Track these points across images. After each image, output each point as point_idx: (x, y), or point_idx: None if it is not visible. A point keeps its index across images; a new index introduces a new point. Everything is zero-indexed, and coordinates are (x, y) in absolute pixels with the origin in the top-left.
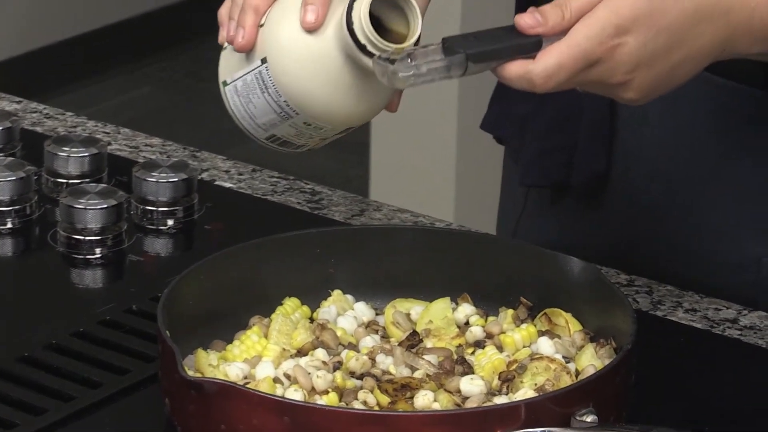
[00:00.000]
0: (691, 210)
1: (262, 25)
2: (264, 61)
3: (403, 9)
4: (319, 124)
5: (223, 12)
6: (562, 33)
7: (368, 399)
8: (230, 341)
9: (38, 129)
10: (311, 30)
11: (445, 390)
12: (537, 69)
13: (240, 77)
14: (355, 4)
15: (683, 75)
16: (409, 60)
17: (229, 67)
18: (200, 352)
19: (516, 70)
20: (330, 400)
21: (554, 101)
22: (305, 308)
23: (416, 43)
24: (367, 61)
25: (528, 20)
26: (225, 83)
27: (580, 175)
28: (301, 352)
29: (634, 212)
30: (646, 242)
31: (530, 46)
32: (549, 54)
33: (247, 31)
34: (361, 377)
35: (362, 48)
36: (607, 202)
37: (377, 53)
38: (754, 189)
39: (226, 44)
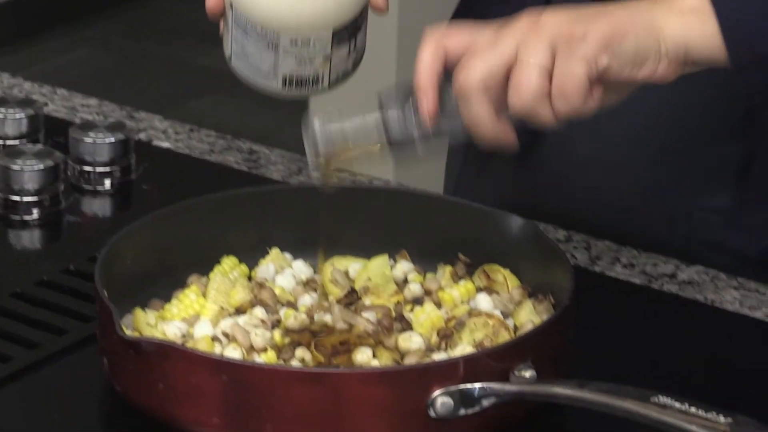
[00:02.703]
0: (622, 164)
1: None
2: (231, 6)
3: None
4: (303, 35)
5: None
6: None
7: (306, 356)
8: (168, 300)
9: None
10: None
11: (384, 347)
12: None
13: (231, 40)
14: None
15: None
16: None
17: (224, 43)
18: (138, 312)
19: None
20: (268, 358)
21: None
22: (243, 267)
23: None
24: None
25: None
26: (230, 59)
27: (515, 130)
28: (239, 311)
29: (567, 168)
30: (580, 198)
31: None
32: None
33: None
34: (299, 332)
35: None
36: (541, 158)
37: None
38: (681, 143)
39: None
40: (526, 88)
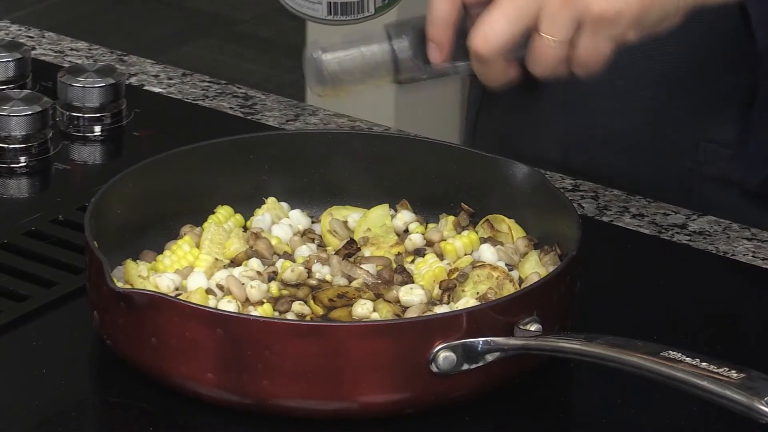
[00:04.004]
0: (629, 95)
1: None
2: None
3: None
4: None
5: None
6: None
7: (304, 310)
8: (161, 251)
9: None
10: None
11: (384, 300)
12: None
13: None
14: None
15: None
16: None
17: None
18: (129, 263)
19: None
20: (265, 311)
21: None
22: (238, 216)
23: None
24: None
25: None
26: None
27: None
28: (234, 262)
29: (574, 99)
30: (586, 131)
31: None
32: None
33: None
34: (296, 287)
35: None
36: (547, 91)
37: None
38: (690, 72)
39: None
40: (547, 61)
